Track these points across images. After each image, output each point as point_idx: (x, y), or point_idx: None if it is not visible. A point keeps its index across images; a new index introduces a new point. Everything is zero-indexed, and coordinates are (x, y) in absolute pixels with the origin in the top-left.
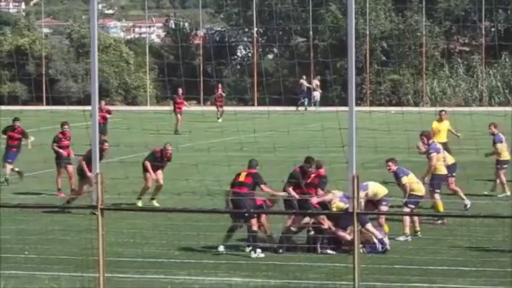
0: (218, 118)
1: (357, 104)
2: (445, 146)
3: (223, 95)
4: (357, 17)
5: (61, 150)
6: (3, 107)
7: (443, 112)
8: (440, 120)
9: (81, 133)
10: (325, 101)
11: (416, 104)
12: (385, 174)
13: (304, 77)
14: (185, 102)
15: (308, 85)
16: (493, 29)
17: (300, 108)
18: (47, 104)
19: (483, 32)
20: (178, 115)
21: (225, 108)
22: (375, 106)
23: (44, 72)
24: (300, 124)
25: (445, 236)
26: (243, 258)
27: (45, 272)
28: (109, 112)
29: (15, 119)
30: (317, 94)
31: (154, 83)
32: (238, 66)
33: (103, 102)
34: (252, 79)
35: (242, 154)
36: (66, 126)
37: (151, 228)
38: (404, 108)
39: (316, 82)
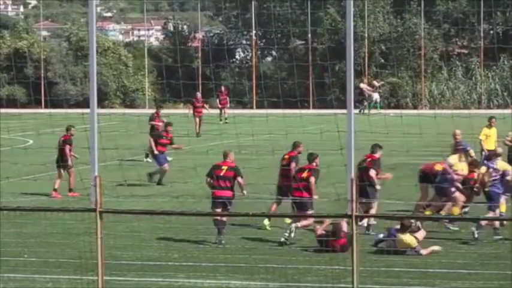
0: (220, 120)
1: (356, 107)
2: (494, 152)
3: (228, 100)
4: (355, 20)
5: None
6: (2, 110)
7: (494, 119)
8: (490, 126)
9: (81, 136)
10: (323, 104)
11: (415, 107)
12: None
13: (365, 80)
14: (205, 105)
15: (367, 87)
16: (491, 32)
17: (362, 111)
18: (46, 107)
19: (482, 34)
20: (197, 118)
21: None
22: (374, 109)
23: (42, 75)
24: (299, 127)
25: (444, 239)
26: (241, 261)
27: (44, 275)
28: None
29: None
30: (377, 95)
31: (153, 86)
32: (237, 69)
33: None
34: (251, 82)
35: (241, 157)
36: (73, 130)
37: (150, 231)
38: (403, 111)
39: (376, 84)
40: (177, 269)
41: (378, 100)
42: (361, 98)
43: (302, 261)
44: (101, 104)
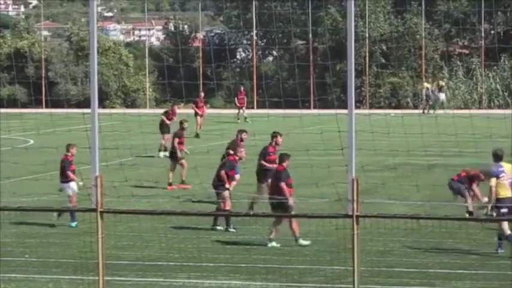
0: (238, 119)
1: (356, 107)
2: None
3: (245, 100)
4: (356, 20)
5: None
6: (3, 110)
7: None
8: None
9: (81, 136)
10: (324, 104)
11: (415, 107)
12: (384, 176)
13: (430, 81)
14: (205, 107)
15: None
16: (492, 32)
17: (425, 111)
18: (47, 106)
19: (482, 34)
20: (199, 117)
21: (224, 111)
22: (374, 109)
23: (43, 75)
24: (300, 127)
25: (445, 239)
26: (242, 261)
27: (45, 275)
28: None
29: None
30: (443, 96)
31: (154, 86)
32: (238, 69)
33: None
34: (252, 82)
35: None
36: (185, 124)
37: (151, 231)
38: (404, 111)
39: (441, 83)
40: (177, 269)
41: (444, 100)
42: (427, 99)
43: (302, 261)
44: (101, 104)
